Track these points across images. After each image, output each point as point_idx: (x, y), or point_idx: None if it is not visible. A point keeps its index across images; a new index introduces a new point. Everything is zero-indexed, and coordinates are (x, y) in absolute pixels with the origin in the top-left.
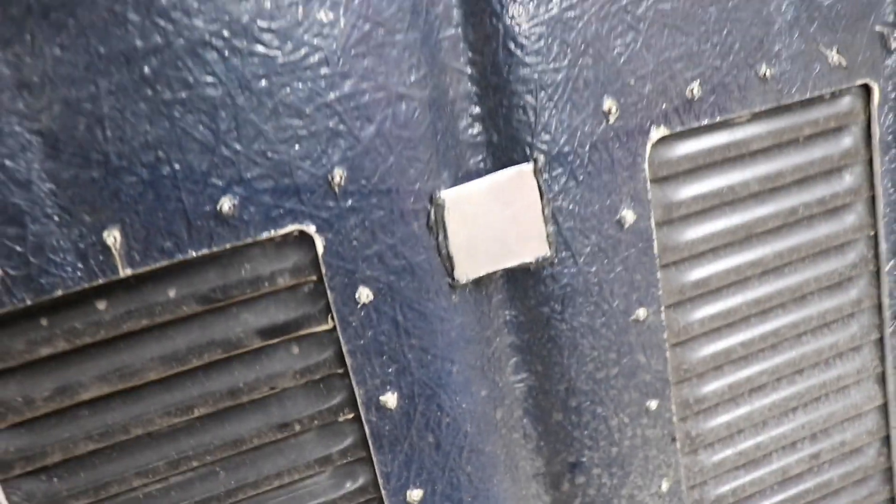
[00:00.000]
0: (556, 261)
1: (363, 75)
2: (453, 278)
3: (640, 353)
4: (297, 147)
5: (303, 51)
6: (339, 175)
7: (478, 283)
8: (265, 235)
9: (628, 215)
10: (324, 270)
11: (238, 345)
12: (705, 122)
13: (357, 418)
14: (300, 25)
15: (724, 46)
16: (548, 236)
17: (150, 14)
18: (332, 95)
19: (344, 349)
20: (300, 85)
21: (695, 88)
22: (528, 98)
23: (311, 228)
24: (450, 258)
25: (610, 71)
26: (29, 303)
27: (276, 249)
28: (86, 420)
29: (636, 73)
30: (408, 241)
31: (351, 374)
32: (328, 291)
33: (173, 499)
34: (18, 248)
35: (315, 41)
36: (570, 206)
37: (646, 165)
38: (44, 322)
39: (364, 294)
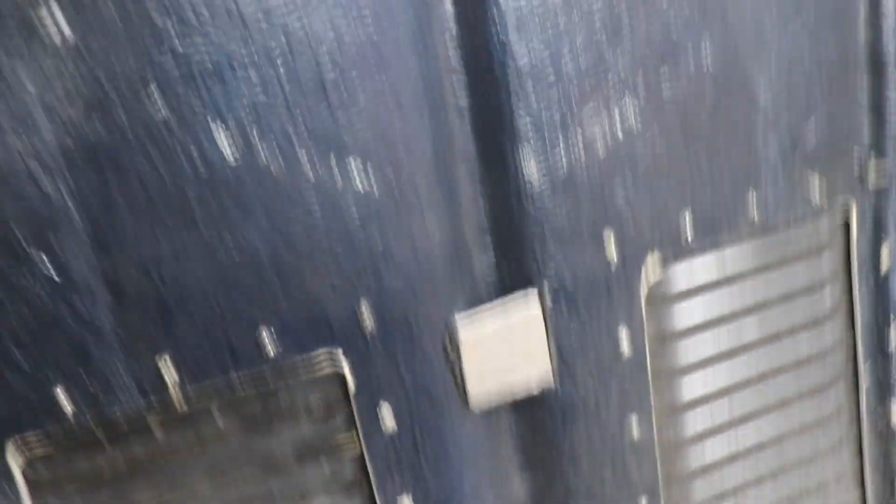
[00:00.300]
0: (559, 388)
1: (394, 227)
2: (467, 407)
3: (632, 458)
4: (330, 290)
5: (339, 206)
6: (366, 312)
7: (490, 411)
8: (301, 372)
9: (625, 341)
10: (353, 402)
11: (274, 461)
12: (696, 251)
13: None
14: (337, 190)
15: (713, 180)
16: (552, 369)
17: (202, 183)
18: (367, 238)
19: (368, 464)
20: (335, 235)
21: (686, 220)
22: (535, 238)
23: (343, 366)
24: (464, 386)
25: (609, 210)
26: (94, 428)
27: (310, 383)
28: None
29: (633, 208)
30: (426, 367)
31: (373, 481)
32: (356, 417)
33: None
34: (87, 380)
35: (353, 208)
36: (573, 338)
37: (642, 294)
38: (106, 445)
39: (388, 419)
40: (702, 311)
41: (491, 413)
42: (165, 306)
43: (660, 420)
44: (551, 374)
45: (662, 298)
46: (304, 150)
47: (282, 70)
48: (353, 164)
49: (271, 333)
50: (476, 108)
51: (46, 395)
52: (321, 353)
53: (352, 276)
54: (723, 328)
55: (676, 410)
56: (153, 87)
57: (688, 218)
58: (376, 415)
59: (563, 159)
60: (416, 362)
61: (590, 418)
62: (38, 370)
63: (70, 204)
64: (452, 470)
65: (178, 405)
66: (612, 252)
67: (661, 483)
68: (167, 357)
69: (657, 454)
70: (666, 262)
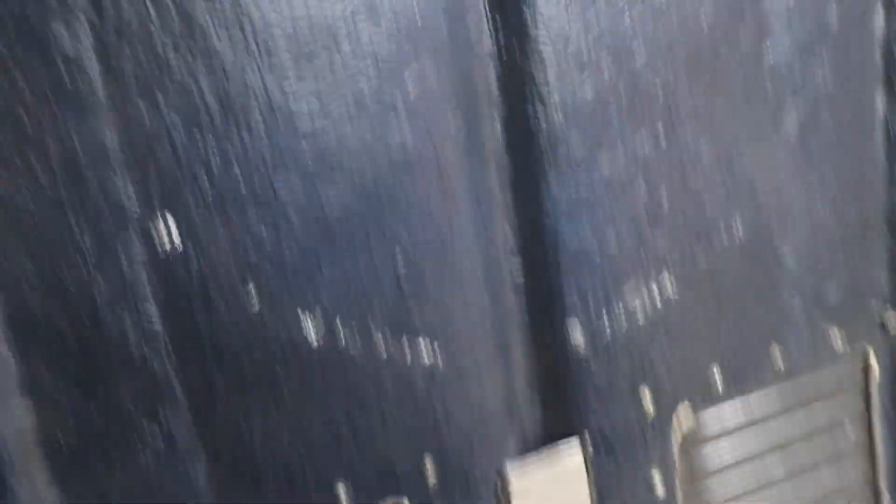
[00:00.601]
0: None
1: (454, 393)
2: None
3: None
4: (398, 447)
5: (408, 378)
6: (429, 466)
7: None
8: None
9: (659, 483)
10: None
11: None
12: (726, 399)
13: None
14: (407, 365)
15: (741, 337)
16: None
17: (289, 363)
18: (422, 407)
19: None
20: (403, 402)
21: (716, 373)
22: (579, 394)
23: None
24: None
25: (646, 368)
26: None
27: None
28: None
29: (667, 366)
30: None
31: None
32: None
33: None
34: None
35: (419, 379)
36: (612, 482)
37: (674, 440)
38: None
39: None
40: (730, 452)
41: None
42: (255, 465)
43: None
44: None
45: (693, 441)
46: (379, 334)
47: (362, 266)
48: (423, 343)
49: (347, 487)
50: (530, 286)
51: None
52: (389, 502)
53: (417, 435)
54: (750, 466)
55: None
56: (251, 285)
57: (717, 371)
58: None
59: (607, 328)
60: None
61: None
62: None
63: (175, 382)
64: None
65: None
66: (647, 405)
67: None
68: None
69: None
70: (697, 410)
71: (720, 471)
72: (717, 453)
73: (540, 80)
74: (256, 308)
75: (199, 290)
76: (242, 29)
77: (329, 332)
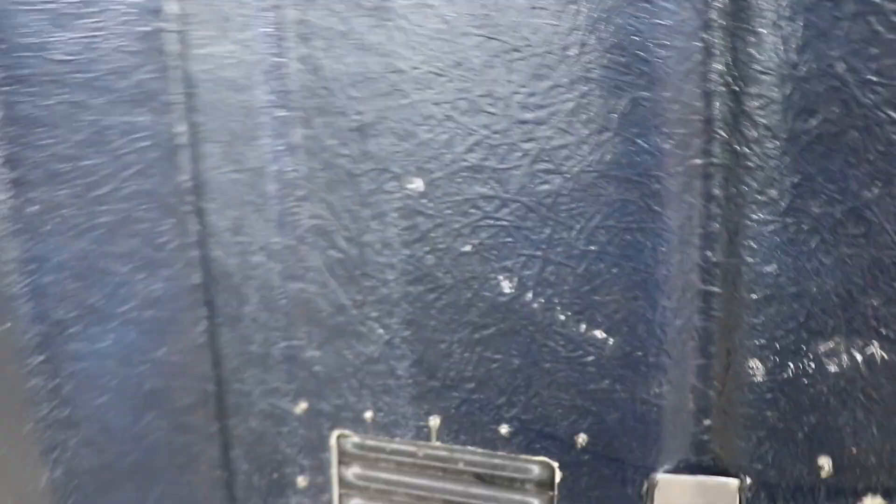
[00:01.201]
0: None
1: (621, 379)
2: None
3: None
4: (559, 411)
5: (578, 352)
6: (582, 439)
7: None
8: (524, 458)
9: None
10: (555, 493)
11: None
12: None
13: None
14: (581, 336)
15: None
16: None
17: (489, 307)
18: (590, 386)
19: None
20: (571, 373)
21: None
22: (749, 431)
23: (554, 464)
24: None
25: (830, 433)
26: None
27: (534, 472)
28: None
29: (856, 437)
30: (622, 502)
31: None
32: None
33: None
34: (381, 410)
35: (587, 347)
36: None
37: None
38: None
39: None
40: None
41: None
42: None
43: None
44: None
45: None
46: (566, 312)
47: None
48: (598, 333)
49: (510, 428)
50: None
51: None
52: (540, 454)
53: (580, 408)
54: None
55: None
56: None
57: None
58: None
59: (795, 377)
60: (612, 499)
61: None
62: None
63: None
64: None
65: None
66: (825, 474)
67: None
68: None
69: None
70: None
71: None
72: None
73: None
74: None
75: None
76: None
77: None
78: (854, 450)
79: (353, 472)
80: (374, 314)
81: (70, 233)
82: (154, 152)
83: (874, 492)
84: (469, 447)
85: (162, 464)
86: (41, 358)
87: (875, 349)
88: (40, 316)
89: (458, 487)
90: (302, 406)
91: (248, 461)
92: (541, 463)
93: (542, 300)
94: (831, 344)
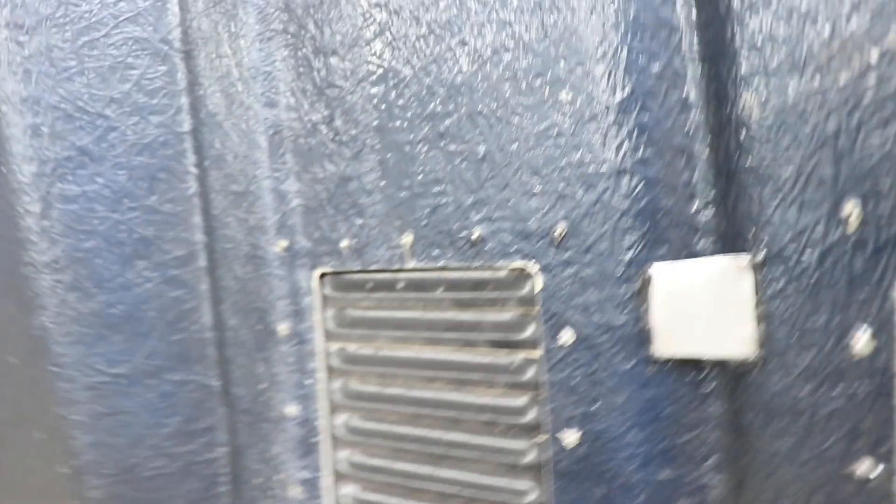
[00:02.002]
0: (762, 367)
1: (589, 148)
2: (649, 351)
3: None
4: (532, 200)
5: (545, 123)
6: (560, 230)
7: (682, 364)
8: (500, 265)
9: (862, 342)
10: (539, 306)
11: (472, 343)
12: None
13: (545, 444)
14: (546, 103)
15: None
16: (757, 338)
17: (449, 91)
18: (563, 162)
19: (543, 377)
20: (540, 150)
21: None
22: (754, 188)
23: (534, 268)
24: (649, 331)
25: (856, 170)
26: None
27: (510, 280)
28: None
29: (895, 176)
30: (612, 302)
31: (547, 402)
32: (541, 325)
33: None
34: (356, 236)
35: (555, 116)
36: (788, 313)
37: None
38: (368, 285)
39: (567, 336)
40: None
41: (684, 377)
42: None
43: None
44: (754, 347)
45: None
46: None
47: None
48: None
49: (483, 229)
50: None
51: None
52: (517, 255)
53: (554, 196)
54: None
55: None
56: None
57: None
58: (557, 333)
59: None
60: (602, 295)
61: (799, 428)
62: None
63: None
64: (624, 421)
65: (408, 261)
66: (854, 223)
67: None
68: (406, 223)
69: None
70: None
71: None
72: None
73: None
74: None
75: None
76: None
77: None
78: (889, 187)
79: (333, 315)
80: (343, 126)
81: (62, 75)
82: (145, 0)
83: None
84: (444, 265)
85: (153, 318)
86: (34, 197)
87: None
88: (32, 156)
89: (441, 316)
90: (282, 244)
91: (235, 315)
92: (519, 270)
93: (501, 69)
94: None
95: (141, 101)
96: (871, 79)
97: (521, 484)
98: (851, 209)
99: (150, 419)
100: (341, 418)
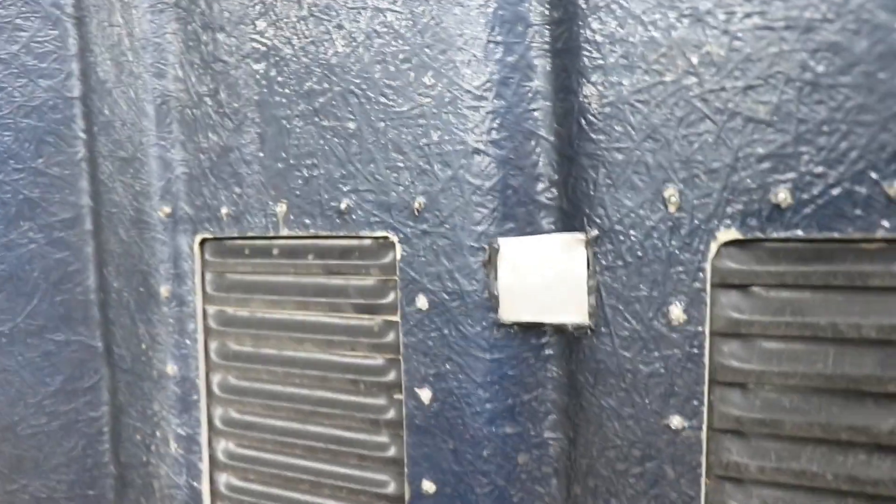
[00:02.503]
0: (594, 333)
1: (448, 129)
2: (496, 317)
3: (668, 464)
4: (395, 175)
5: (410, 104)
6: (419, 202)
7: (526, 330)
8: (365, 234)
9: (677, 313)
10: (398, 274)
11: (338, 308)
12: (795, 234)
13: (402, 401)
14: (411, 86)
15: (833, 152)
16: (588, 306)
17: (325, 70)
18: (423, 141)
19: (401, 339)
20: (405, 129)
21: (782, 194)
22: (590, 172)
23: (395, 238)
24: (496, 297)
25: (676, 159)
26: (239, 238)
27: (374, 249)
28: None
29: (708, 165)
30: (463, 271)
31: (402, 362)
32: (399, 291)
33: None
34: (235, 204)
35: (419, 98)
36: (616, 285)
37: (707, 266)
38: (246, 251)
39: (422, 301)
40: (793, 311)
41: (529, 340)
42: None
43: (715, 430)
44: (586, 315)
45: (744, 283)
46: None
47: None
48: None
49: (350, 200)
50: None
51: None
52: (380, 225)
53: (414, 172)
54: (812, 339)
55: (742, 426)
56: None
57: (785, 191)
58: (414, 296)
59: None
60: (455, 264)
61: (623, 386)
62: None
63: None
64: (472, 380)
65: (282, 229)
66: (673, 206)
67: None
68: (281, 194)
69: (703, 474)
70: (748, 234)
71: (776, 334)
72: (777, 306)
73: None
74: None
75: None
76: None
77: None
78: (702, 175)
79: (212, 279)
80: (226, 99)
81: None
82: None
83: (727, 224)
84: (315, 233)
85: (36, 278)
86: None
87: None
88: None
89: (311, 282)
90: (165, 210)
91: (118, 277)
92: (382, 239)
93: (373, 52)
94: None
95: (30, 64)
96: (692, 79)
97: (382, 438)
98: (672, 193)
99: (32, 378)
100: (218, 377)
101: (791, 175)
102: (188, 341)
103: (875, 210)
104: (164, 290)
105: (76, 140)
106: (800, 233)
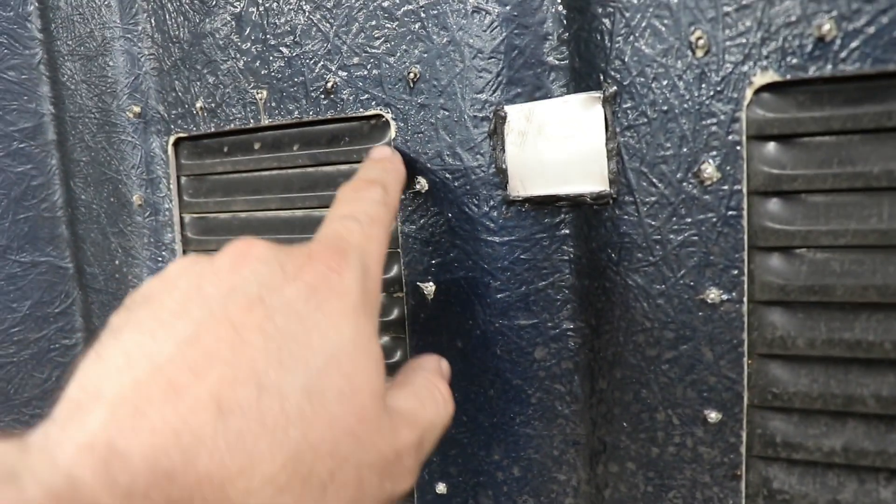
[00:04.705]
0: (616, 203)
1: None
2: (505, 193)
3: (705, 345)
4: (386, 45)
5: None
6: (414, 72)
7: (539, 207)
8: (355, 113)
9: (710, 172)
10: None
11: (327, 202)
12: (842, 71)
13: (403, 299)
14: None
15: None
16: (609, 173)
17: None
18: (416, 3)
19: (399, 229)
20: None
21: (826, 26)
22: (605, 21)
23: (388, 115)
24: (504, 171)
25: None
26: (216, 134)
27: (365, 131)
28: None
29: (740, 1)
30: (466, 145)
31: (401, 255)
32: None
33: None
34: (210, 96)
35: None
36: (639, 146)
37: (742, 116)
38: (224, 149)
39: (421, 183)
40: (837, 162)
41: (542, 220)
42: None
43: (757, 302)
44: (606, 182)
45: (782, 133)
46: None
47: None
48: None
49: (337, 78)
50: None
51: None
52: (371, 102)
53: (406, 37)
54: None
55: (789, 295)
56: None
57: (829, 23)
58: (413, 181)
59: None
60: (456, 138)
61: (652, 261)
62: None
63: None
64: (480, 268)
65: (262, 118)
66: (701, 51)
67: (745, 399)
68: (261, 80)
69: (745, 352)
70: (787, 75)
71: (819, 188)
72: (818, 158)
73: None
74: None
75: None
76: None
77: None
78: (734, 12)
79: (188, 183)
80: None
81: None
82: None
83: (764, 66)
84: (298, 117)
85: None
86: None
87: None
88: None
89: (297, 174)
90: (135, 109)
91: (86, 189)
92: (374, 118)
93: None
94: None
95: None
96: None
97: (383, 340)
98: (699, 35)
99: None
100: None
101: (836, 1)
102: (165, 253)
103: None
104: (136, 199)
105: (32, 41)
106: (848, 69)
